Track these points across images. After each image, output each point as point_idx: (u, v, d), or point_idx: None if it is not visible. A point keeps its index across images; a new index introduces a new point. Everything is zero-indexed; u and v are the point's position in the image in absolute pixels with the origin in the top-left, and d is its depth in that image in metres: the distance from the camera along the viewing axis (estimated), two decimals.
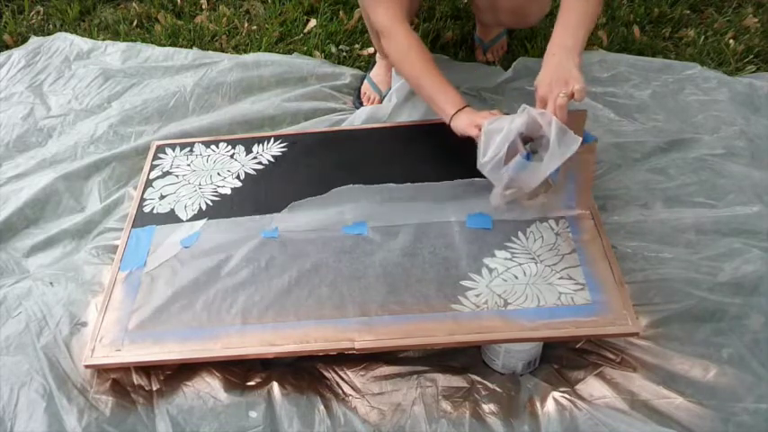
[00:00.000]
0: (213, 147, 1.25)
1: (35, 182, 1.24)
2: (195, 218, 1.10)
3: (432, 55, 1.13)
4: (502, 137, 0.97)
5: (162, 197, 1.15)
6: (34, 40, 1.64)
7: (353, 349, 0.90)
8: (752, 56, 1.46)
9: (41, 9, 1.81)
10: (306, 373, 0.95)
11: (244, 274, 1.00)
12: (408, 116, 1.31)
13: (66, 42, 1.62)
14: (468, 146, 1.18)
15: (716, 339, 0.93)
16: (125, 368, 0.94)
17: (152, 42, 1.63)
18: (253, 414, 0.89)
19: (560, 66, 0.99)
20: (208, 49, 1.60)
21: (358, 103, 1.41)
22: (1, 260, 1.12)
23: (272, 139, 1.25)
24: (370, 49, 1.55)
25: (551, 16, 1.44)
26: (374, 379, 0.94)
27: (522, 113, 0.98)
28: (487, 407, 0.89)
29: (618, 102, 1.32)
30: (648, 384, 0.90)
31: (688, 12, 1.62)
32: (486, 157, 0.98)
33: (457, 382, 0.92)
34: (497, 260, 0.98)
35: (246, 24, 1.69)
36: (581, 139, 0.94)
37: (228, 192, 1.15)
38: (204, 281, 1.00)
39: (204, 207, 1.12)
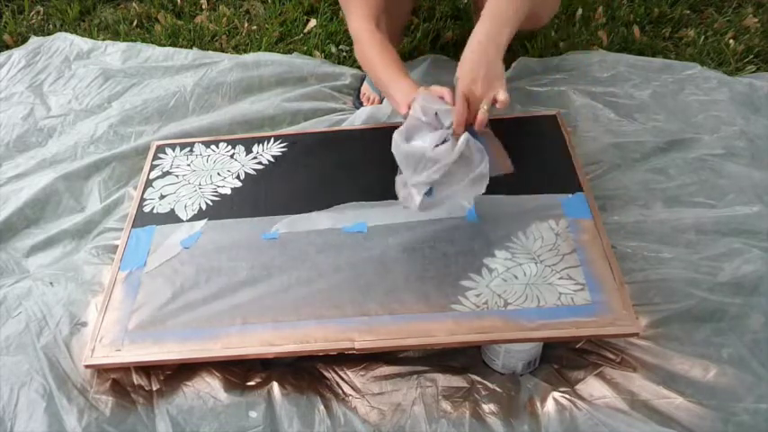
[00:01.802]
0: (213, 147, 1.25)
1: (35, 182, 1.24)
2: (195, 218, 1.11)
3: (394, 52, 1.09)
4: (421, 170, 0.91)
5: (162, 197, 1.15)
6: (34, 40, 1.64)
7: (353, 349, 0.90)
8: (752, 56, 1.46)
9: (41, 9, 1.81)
10: (306, 373, 0.95)
11: (244, 275, 1.00)
12: None
13: (66, 42, 1.62)
14: None
15: (716, 339, 0.93)
16: (125, 368, 0.94)
17: (152, 42, 1.63)
18: (253, 414, 0.89)
19: (487, 60, 0.93)
20: (208, 49, 1.60)
21: (358, 103, 1.41)
22: (1, 260, 1.12)
23: (272, 139, 1.25)
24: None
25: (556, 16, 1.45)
26: (374, 379, 0.94)
27: (450, 143, 0.91)
28: (487, 407, 0.89)
29: (618, 102, 1.32)
30: (648, 384, 0.89)
31: (688, 12, 1.62)
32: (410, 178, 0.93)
33: (457, 382, 0.92)
34: (497, 260, 0.98)
35: (246, 24, 1.69)
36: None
37: (228, 192, 1.15)
38: (204, 281, 1.00)
39: (204, 207, 1.12)
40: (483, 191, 0.92)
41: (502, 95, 0.92)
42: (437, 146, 0.91)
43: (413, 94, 0.97)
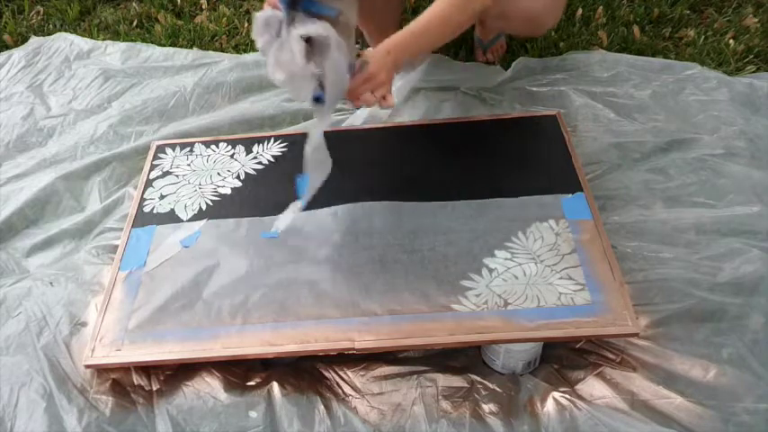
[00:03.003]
0: (213, 147, 1.25)
1: (35, 182, 1.24)
2: (195, 218, 1.11)
3: None
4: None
5: (162, 197, 1.16)
6: (34, 40, 1.64)
7: (353, 349, 0.90)
8: (752, 56, 1.46)
9: (41, 9, 1.81)
10: (306, 373, 0.95)
11: (243, 274, 1.00)
12: (408, 116, 1.31)
13: (66, 42, 1.62)
14: (467, 146, 1.18)
15: (716, 339, 0.93)
16: (125, 368, 0.94)
17: (152, 42, 1.63)
18: (253, 414, 0.89)
19: (396, 62, 1.03)
20: (208, 49, 1.60)
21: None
22: (1, 260, 1.12)
23: (272, 139, 1.25)
24: (370, 50, 1.54)
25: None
26: (374, 379, 0.94)
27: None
28: (487, 407, 0.89)
29: (618, 102, 1.32)
30: (648, 384, 0.89)
31: (688, 12, 1.62)
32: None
33: (457, 382, 0.92)
34: (497, 260, 0.98)
35: (246, 24, 1.69)
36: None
37: (229, 192, 1.15)
38: (204, 281, 1.00)
39: (204, 207, 1.12)
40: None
41: (392, 100, 1.01)
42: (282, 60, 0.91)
43: None
